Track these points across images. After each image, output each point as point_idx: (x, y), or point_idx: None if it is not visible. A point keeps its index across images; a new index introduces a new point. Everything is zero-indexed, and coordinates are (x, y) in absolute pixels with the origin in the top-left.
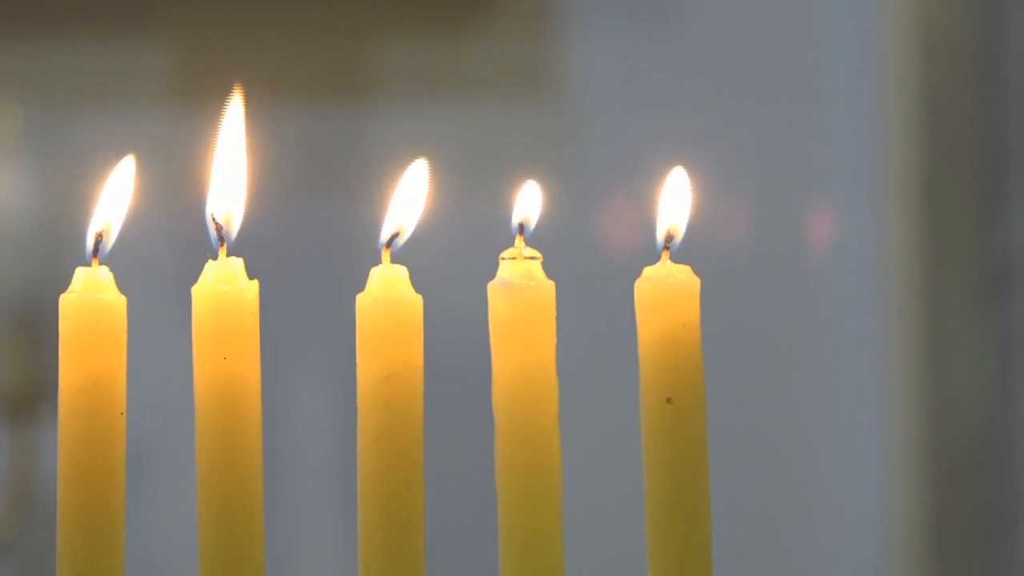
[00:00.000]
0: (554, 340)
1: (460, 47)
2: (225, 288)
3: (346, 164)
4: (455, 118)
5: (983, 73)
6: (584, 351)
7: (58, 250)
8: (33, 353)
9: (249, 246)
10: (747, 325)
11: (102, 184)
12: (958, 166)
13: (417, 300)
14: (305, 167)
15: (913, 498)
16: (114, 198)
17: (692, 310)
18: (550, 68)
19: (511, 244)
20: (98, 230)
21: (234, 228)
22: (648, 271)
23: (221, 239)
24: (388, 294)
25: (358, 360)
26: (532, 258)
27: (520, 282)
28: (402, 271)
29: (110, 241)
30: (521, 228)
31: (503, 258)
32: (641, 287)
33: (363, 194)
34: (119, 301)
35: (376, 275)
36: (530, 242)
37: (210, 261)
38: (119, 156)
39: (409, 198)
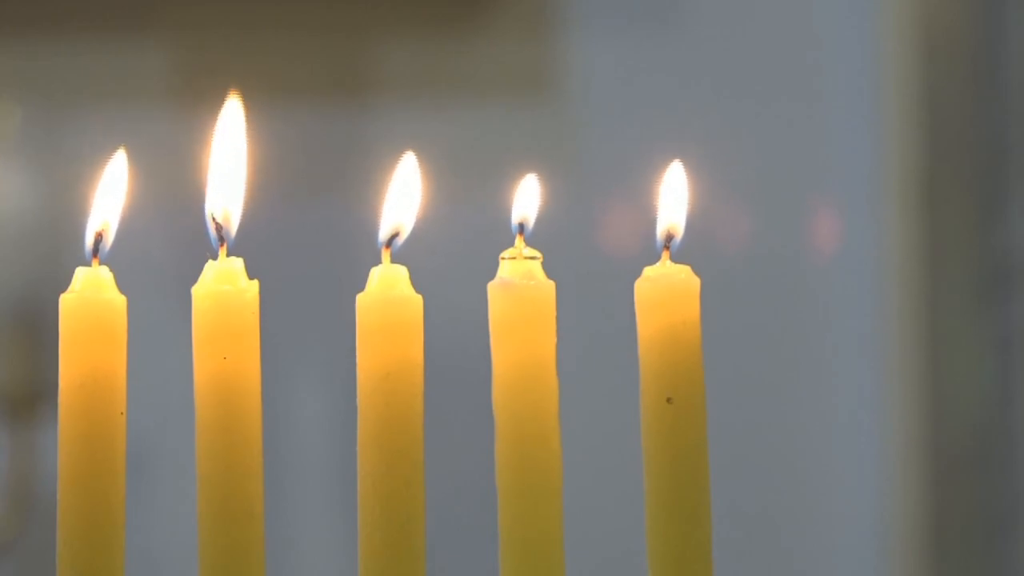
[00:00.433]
0: (554, 340)
1: (460, 47)
2: (225, 288)
3: (346, 164)
4: (455, 118)
5: (983, 73)
6: (584, 351)
7: (58, 250)
8: (33, 353)
9: (249, 246)
10: (747, 325)
11: (101, 183)
12: (958, 166)
13: (417, 299)
14: (305, 167)
15: (913, 498)
16: (113, 197)
17: (692, 310)
18: (550, 68)
19: (511, 244)
20: (97, 229)
21: (233, 227)
22: (648, 271)
23: (221, 239)
24: (388, 293)
25: (358, 360)
26: (532, 258)
27: (520, 282)
28: (402, 271)
29: (110, 241)
30: (521, 228)
31: (503, 258)
32: (641, 287)
33: (363, 194)
34: (119, 301)
35: (376, 275)
36: (530, 242)
37: (210, 261)
38: (117, 155)
39: (403, 193)
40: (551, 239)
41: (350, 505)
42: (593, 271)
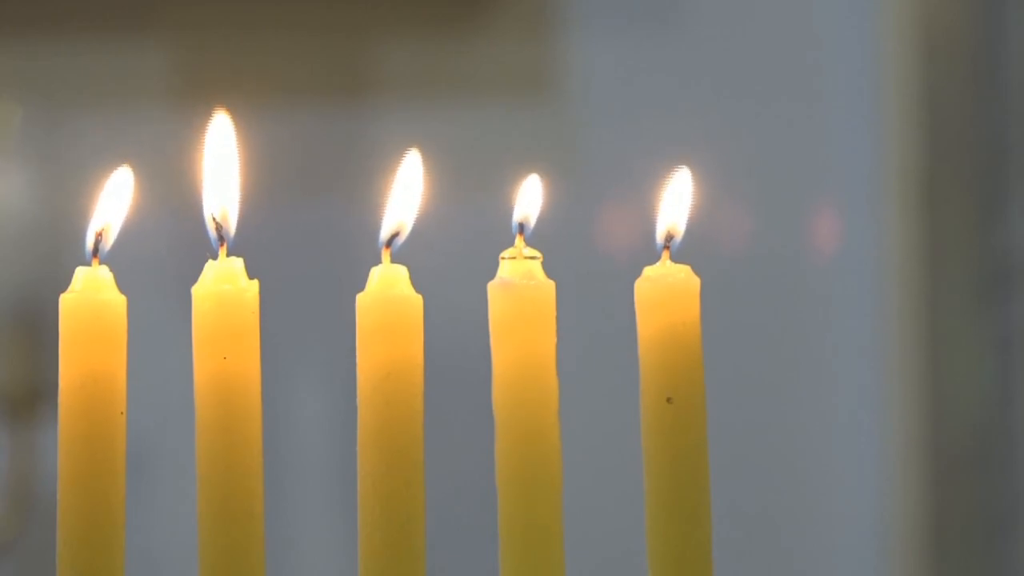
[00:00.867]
0: (554, 340)
1: (460, 47)
2: (225, 288)
3: (346, 164)
4: (455, 118)
5: (983, 73)
6: (584, 351)
7: (58, 250)
8: (33, 353)
9: (249, 246)
10: (747, 325)
11: (102, 184)
12: (958, 166)
13: (417, 299)
14: (305, 167)
15: (913, 498)
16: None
17: (692, 310)
18: (550, 68)
19: (511, 244)
20: (98, 229)
21: (231, 226)
22: (648, 271)
23: (221, 239)
24: (388, 293)
25: (358, 359)
26: (532, 258)
27: (520, 282)
28: (402, 270)
29: (110, 241)
30: (521, 228)
31: (503, 258)
32: (641, 287)
33: (363, 194)
34: (119, 301)
35: (376, 274)
36: (530, 242)
37: (210, 261)
38: (119, 156)
39: (406, 191)
40: (551, 239)
41: (350, 505)
42: (593, 271)
